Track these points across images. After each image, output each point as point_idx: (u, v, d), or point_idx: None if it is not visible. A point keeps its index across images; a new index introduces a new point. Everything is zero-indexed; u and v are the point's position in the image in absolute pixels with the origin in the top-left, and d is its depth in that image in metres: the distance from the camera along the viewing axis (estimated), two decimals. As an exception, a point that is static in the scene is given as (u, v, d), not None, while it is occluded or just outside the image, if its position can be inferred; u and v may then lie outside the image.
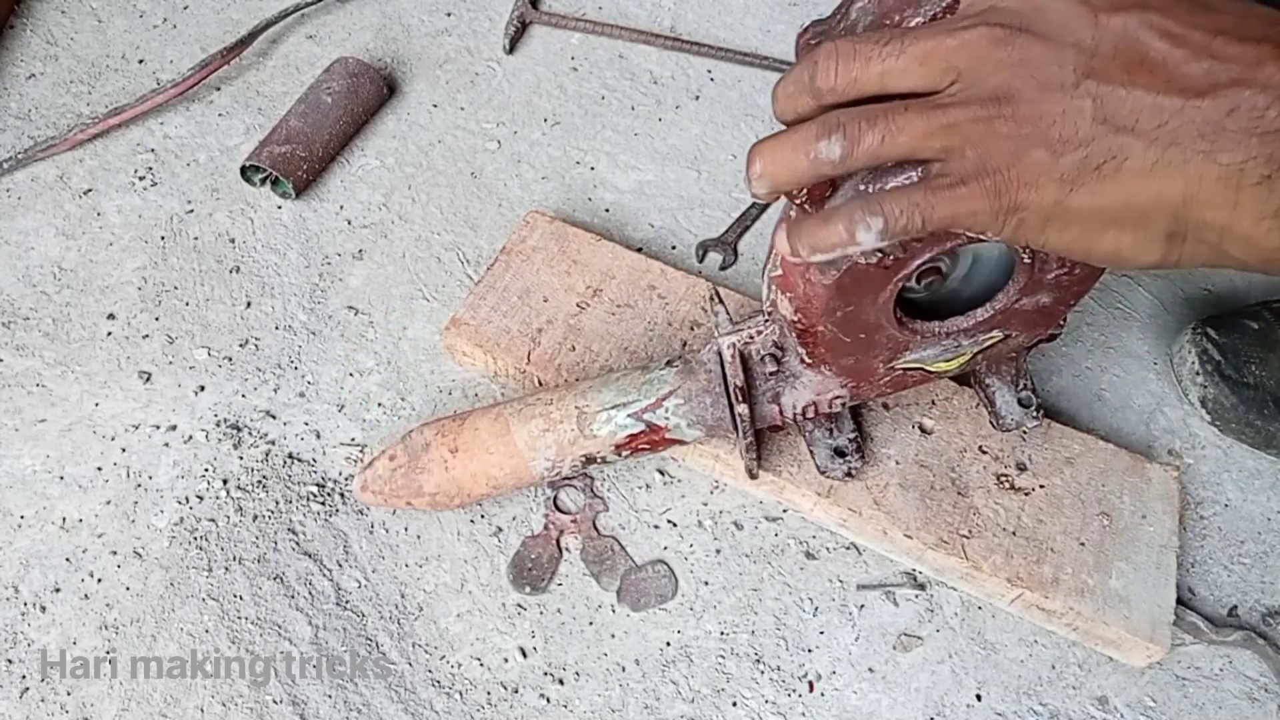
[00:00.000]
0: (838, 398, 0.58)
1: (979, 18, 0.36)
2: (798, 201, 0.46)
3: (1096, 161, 0.34)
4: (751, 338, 0.56)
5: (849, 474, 0.61)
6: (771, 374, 0.57)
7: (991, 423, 0.64)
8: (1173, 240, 0.36)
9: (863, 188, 0.44)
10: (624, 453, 0.60)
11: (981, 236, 0.39)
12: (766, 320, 0.56)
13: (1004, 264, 0.52)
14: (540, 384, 0.68)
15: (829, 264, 0.47)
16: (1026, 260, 0.48)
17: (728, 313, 0.58)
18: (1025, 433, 0.65)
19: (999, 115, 0.35)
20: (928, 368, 0.57)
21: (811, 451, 0.62)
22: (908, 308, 0.52)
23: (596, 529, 0.65)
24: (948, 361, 0.56)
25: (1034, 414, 0.63)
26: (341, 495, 0.66)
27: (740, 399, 0.56)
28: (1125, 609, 0.59)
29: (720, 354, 0.57)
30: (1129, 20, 0.34)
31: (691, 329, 0.69)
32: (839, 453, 0.62)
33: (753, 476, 0.62)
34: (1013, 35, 0.35)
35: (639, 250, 0.77)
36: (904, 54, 0.36)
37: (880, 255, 0.46)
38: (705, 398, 0.58)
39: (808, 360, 0.56)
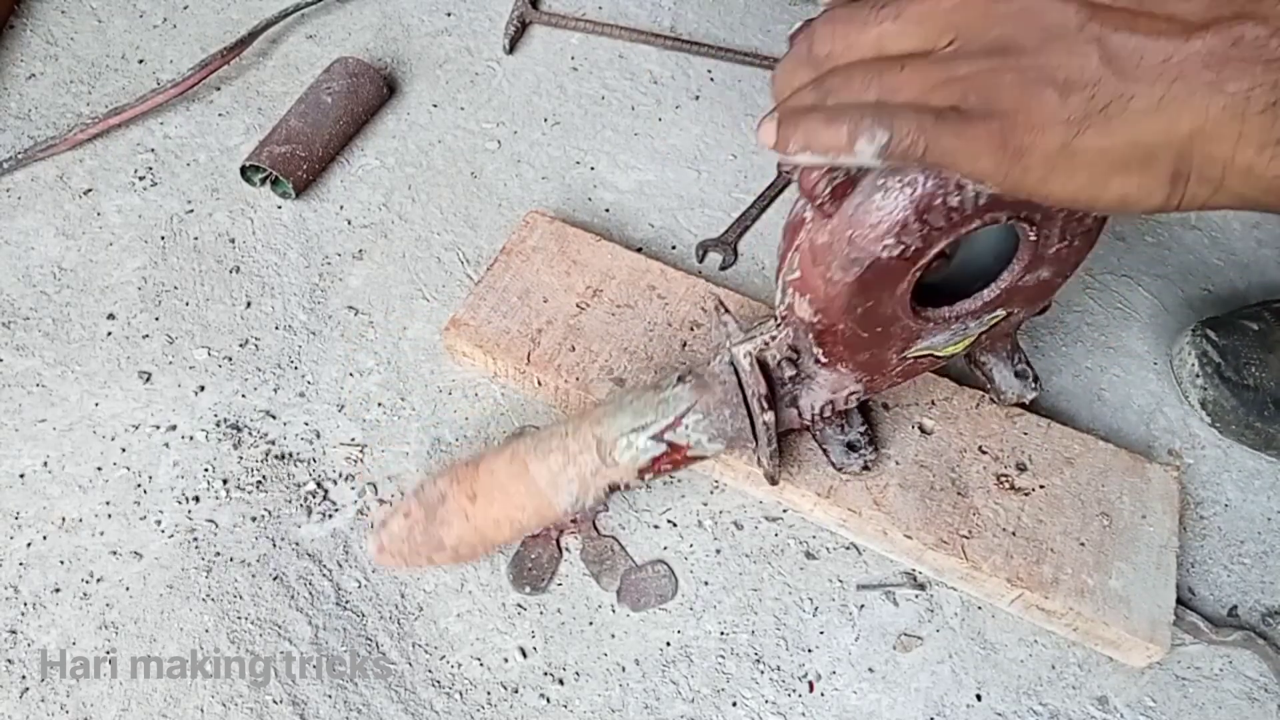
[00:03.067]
0: (853, 393, 0.59)
1: None
2: (817, 202, 0.46)
3: (1103, 102, 0.34)
4: (766, 344, 0.56)
5: (865, 467, 0.62)
6: (790, 378, 0.57)
7: (992, 398, 0.65)
8: (1177, 181, 0.36)
9: (881, 181, 0.44)
10: (647, 476, 0.59)
11: (982, 185, 0.39)
12: (779, 324, 0.56)
13: (998, 241, 0.52)
14: (540, 384, 0.68)
15: (850, 262, 0.47)
16: (1032, 238, 0.48)
17: (736, 321, 0.58)
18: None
19: (1003, 64, 0.35)
20: (937, 353, 0.57)
21: (825, 450, 0.62)
22: (916, 295, 0.53)
23: (596, 529, 0.65)
24: (955, 345, 0.57)
25: (1032, 385, 0.64)
26: (342, 495, 0.66)
27: (765, 407, 0.55)
28: (1125, 609, 0.59)
29: (735, 364, 0.56)
30: None
31: (691, 329, 0.69)
32: (852, 447, 0.62)
33: (774, 483, 0.61)
34: None
35: (639, 250, 0.77)
36: (900, 16, 0.37)
37: (903, 247, 0.46)
38: (724, 410, 0.57)
39: (824, 360, 0.56)
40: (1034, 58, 0.35)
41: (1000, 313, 0.55)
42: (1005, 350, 0.64)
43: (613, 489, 0.59)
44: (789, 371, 0.57)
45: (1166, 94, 0.34)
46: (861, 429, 0.62)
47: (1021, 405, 0.66)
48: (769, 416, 0.56)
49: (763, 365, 0.56)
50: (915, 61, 0.37)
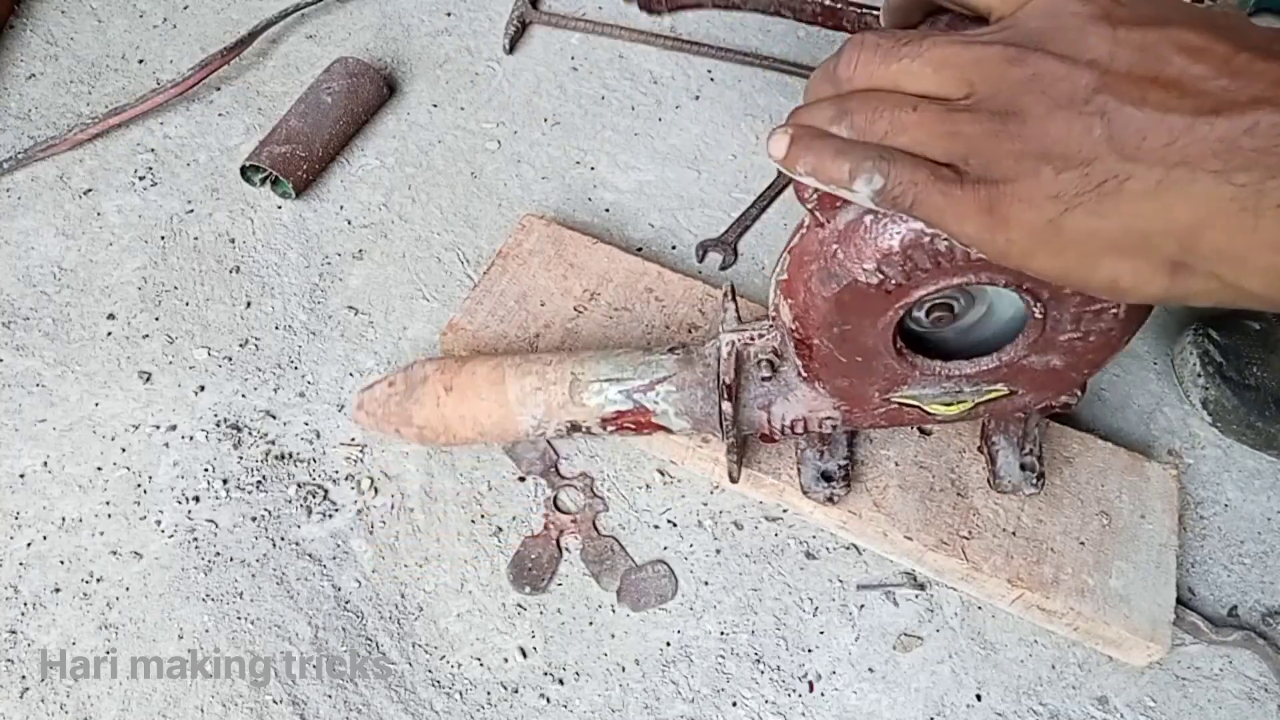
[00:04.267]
0: (829, 419, 0.57)
1: (998, 33, 0.36)
2: (809, 207, 0.46)
3: (1097, 180, 0.33)
4: (752, 339, 0.56)
5: (830, 499, 0.61)
6: (765, 379, 0.57)
7: (989, 481, 0.62)
8: (1178, 271, 0.34)
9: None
10: (609, 428, 0.60)
11: (971, 250, 0.38)
12: (770, 325, 0.56)
13: (1020, 318, 0.50)
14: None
15: (829, 276, 0.47)
16: (1038, 315, 0.47)
17: (737, 311, 0.57)
18: (1025, 494, 0.63)
19: (1005, 131, 0.34)
20: (925, 407, 0.55)
21: (799, 469, 0.62)
22: (913, 341, 0.52)
23: (596, 529, 0.65)
24: (947, 406, 0.55)
25: (1033, 481, 0.61)
26: (342, 495, 0.66)
27: (726, 396, 0.56)
28: (1125, 608, 0.59)
29: (719, 349, 0.57)
30: (1149, 35, 0.32)
31: (689, 332, 0.69)
32: (826, 477, 0.61)
33: (733, 480, 0.62)
34: (1026, 54, 0.34)
35: (639, 250, 0.77)
36: (921, 57, 0.36)
37: (882, 278, 0.45)
38: (697, 390, 0.58)
39: (803, 373, 0.56)
40: (1036, 128, 0.34)
41: (1001, 389, 0.53)
42: (1017, 434, 0.62)
43: (574, 428, 0.60)
44: (764, 373, 0.56)
45: (1165, 178, 0.32)
46: (843, 461, 0.61)
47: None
48: (727, 406, 0.56)
49: (741, 358, 0.56)
50: (928, 107, 0.36)
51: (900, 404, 0.56)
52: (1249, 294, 0.33)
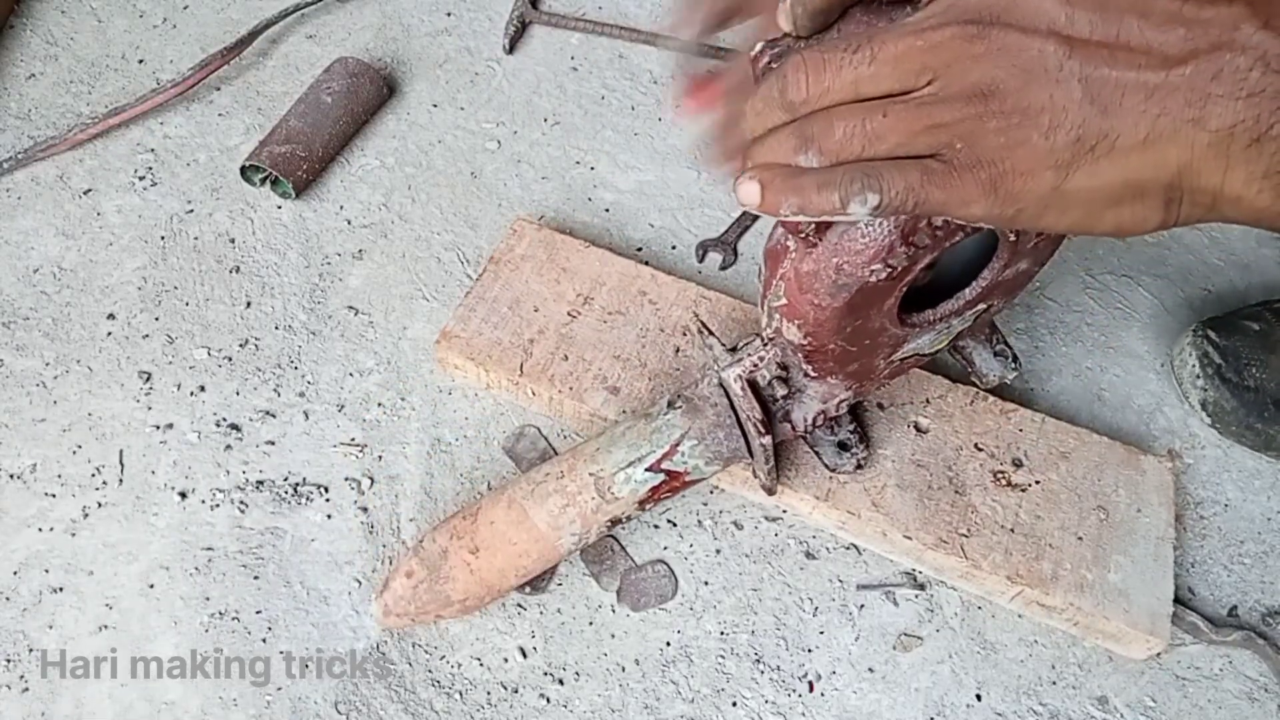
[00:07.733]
0: (843, 400, 0.59)
1: (943, 14, 0.35)
2: (802, 235, 0.46)
3: (1090, 143, 0.34)
4: (755, 365, 0.56)
5: (859, 466, 0.62)
6: (782, 397, 0.57)
7: (974, 382, 0.65)
8: (1170, 205, 0.36)
9: None
10: (648, 506, 0.59)
11: (979, 224, 0.39)
12: (766, 344, 0.56)
13: (980, 239, 0.52)
14: (534, 395, 0.68)
15: (839, 288, 0.47)
16: (1012, 238, 0.49)
17: (721, 343, 0.58)
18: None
19: (985, 110, 0.35)
20: (923, 352, 0.58)
21: (817, 453, 0.62)
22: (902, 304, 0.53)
23: (596, 529, 0.65)
24: (940, 342, 0.58)
25: (1011, 365, 0.64)
26: (342, 495, 0.66)
27: (763, 431, 0.55)
28: (1124, 602, 0.59)
29: (726, 387, 0.56)
30: None
31: (684, 334, 0.69)
32: (844, 447, 0.62)
33: (771, 493, 0.62)
34: (985, 30, 0.35)
35: (639, 250, 0.77)
36: (875, 59, 0.36)
37: (890, 270, 0.46)
38: (718, 432, 0.57)
39: (813, 374, 0.56)
40: (1016, 100, 0.34)
41: (982, 307, 0.56)
42: (984, 334, 0.65)
43: (615, 523, 0.59)
44: (781, 390, 0.57)
45: (1152, 131, 0.34)
46: (851, 428, 0.62)
47: (1000, 393, 0.66)
48: (767, 440, 0.56)
49: (754, 387, 0.56)
50: (897, 106, 0.36)
51: (902, 360, 0.57)
52: (1225, 217, 0.36)
